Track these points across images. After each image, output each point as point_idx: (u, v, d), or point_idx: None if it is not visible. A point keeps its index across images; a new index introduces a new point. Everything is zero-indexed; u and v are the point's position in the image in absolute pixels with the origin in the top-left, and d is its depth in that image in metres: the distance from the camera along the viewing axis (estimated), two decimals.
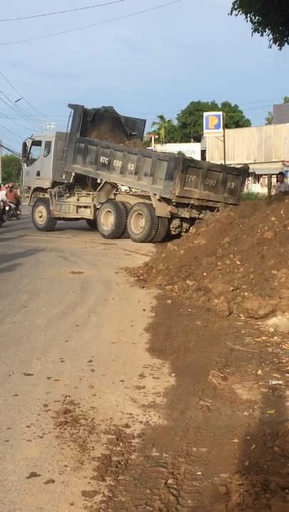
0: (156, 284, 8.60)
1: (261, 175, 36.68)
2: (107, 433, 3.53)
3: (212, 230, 10.06)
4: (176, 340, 5.69)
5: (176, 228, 15.67)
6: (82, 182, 19.03)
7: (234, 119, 55.52)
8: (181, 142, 51.56)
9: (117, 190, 17.92)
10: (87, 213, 18.45)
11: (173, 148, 40.13)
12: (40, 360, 5.05)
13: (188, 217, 15.35)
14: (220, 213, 11.56)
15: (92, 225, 18.90)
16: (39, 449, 3.33)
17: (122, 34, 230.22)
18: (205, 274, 8.13)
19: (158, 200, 15.32)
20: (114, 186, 17.74)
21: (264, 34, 11.76)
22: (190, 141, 52.57)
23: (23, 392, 4.25)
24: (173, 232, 15.57)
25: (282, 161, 36.72)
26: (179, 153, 16.65)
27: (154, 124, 57.84)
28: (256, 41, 30.73)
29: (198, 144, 47.14)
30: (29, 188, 20.66)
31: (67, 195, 19.01)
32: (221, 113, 33.14)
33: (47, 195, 19.42)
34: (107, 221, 17.06)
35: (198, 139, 51.14)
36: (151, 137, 48.24)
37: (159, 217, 15.34)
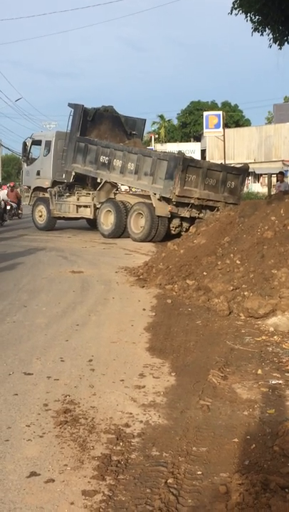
0: (156, 284, 8.60)
1: (261, 174, 36.67)
2: (107, 432, 3.54)
3: (212, 230, 10.06)
4: (176, 340, 5.69)
5: (176, 228, 15.67)
6: (82, 181, 19.01)
7: (234, 118, 55.47)
8: (181, 142, 51.52)
9: (117, 190, 17.91)
10: (87, 213, 18.45)
11: (173, 147, 40.10)
12: (40, 359, 5.05)
13: (189, 216, 15.34)
14: (220, 213, 11.56)
15: (92, 225, 18.89)
16: (39, 449, 3.33)
17: (122, 33, 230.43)
18: (205, 273, 8.13)
19: (158, 199, 15.32)
20: (114, 186, 17.73)
21: (264, 33, 11.74)
22: (190, 141, 52.56)
23: (23, 391, 4.25)
24: (173, 232, 15.57)
25: (282, 161, 36.70)
26: (179, 152, 16.64)
27: (154, 123, 57.85)
28: (256, 41, 30.73)
29: (198, 143, 47.12)
30: (29, 187, 20.64)
31: (67, 194, 18.99)
32: (221, 112, 33.16)
33: (47, 195, 19.39)
34: (107, 220, 17.05)
35: (198, 138, 51.12)
36: (151, 137, 48.19)
37: (159, 216, 15.34)
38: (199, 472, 3.04)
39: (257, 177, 38.09)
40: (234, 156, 37.74)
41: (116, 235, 16.72)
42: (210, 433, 3.53)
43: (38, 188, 20.02)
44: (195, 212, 15.40)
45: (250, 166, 19.67)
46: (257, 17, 11.44)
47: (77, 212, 18.85)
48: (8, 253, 12.81)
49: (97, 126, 18.67)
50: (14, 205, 24.77)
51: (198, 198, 15.19)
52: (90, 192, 18.38)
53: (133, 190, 20.62)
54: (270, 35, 11.73)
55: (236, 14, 11.52)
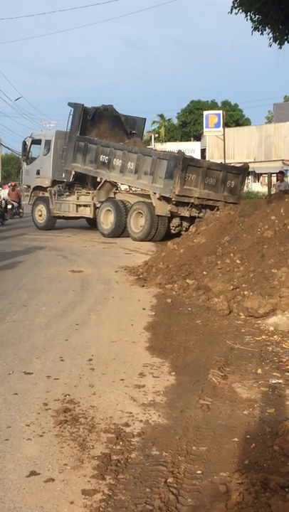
0: (156, 283, 8.60)
1: (261, 174, 36.65)
2: (106, 432, 3.53)
3: (212, 229, 10.06)
4: (176, 339, 5.69)
5: (176, 227, 15.66)
6: (82, 181, 19.02)
7: (234, 117, 55.48)
8: (181, 141, 51.53)
9: (116, 189, 17.91)
10: (87, 212, 18.45)
11: (173, 147, 40.05)
12: (40, 359, 5.05)
13: (188, 216, 15.34)
14: (220, 212, 11.56)
15: (92, 224, 18.89)
16: (39, 448, 3.33)
17: (122, 33, 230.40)
18: (205, 273, 8.12)
19: (158, 199, 15.31)
20: (114, 185, 17.72)
21: (264, 33, 11.73)
22: (190, 140, 52.57)
23: (23, 390, 4.25)
24: (173, 231, 15.57)
25: (282, 160, 36.70)
26: (179, 152, 16.64)
27: (154, 122, 57.85)
28: (256, 40, 30.80)
29: (198, 142, 47.13)
30: (29, 186, 20.64)
31: (67, 193, 18.99)
32: (220, 112, 33.19)
33: (47, 194, 19.40)
34: (107, 220, 17.05)
35: (198, 137, 51.11)
36: (151, 136, 48.17)
37: (158, 216, 15.33)
38: (199, 471, 3.04)
39: (257, 176, 38.09)
40: (234, 155, 37.74)
41: (116, 234, 16.71)
42: (210, 432, 3.52)
43: (38, 188, 20.02)
44: (195, 212, 15.39)
45: (250, 165, 19.68)
46: (257, 16, 11.44)
47: (77, 211, 18.84)
48: (8, 252, 12.80)
49: (97, 125, 18.66)
50: (15, 204, 24.95)
51: (198, 198, 15.19)
52: (90, 191, 18.38)
53: (133, 189, 20.62)
54: (270, 34, 11.72)
55: (236, 13, 11.52)
